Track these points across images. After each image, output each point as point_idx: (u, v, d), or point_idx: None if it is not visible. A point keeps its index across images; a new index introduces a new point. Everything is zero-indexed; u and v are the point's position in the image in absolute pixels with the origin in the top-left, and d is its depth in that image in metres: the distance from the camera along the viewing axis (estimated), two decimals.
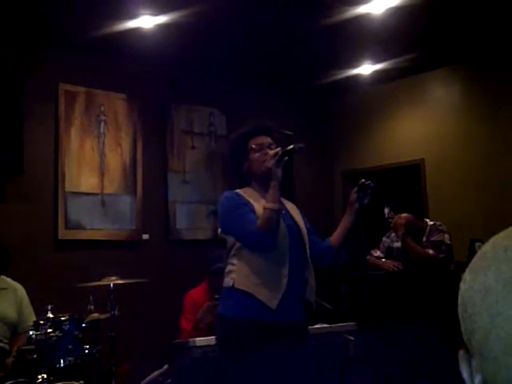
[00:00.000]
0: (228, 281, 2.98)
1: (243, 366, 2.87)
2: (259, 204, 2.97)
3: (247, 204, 2.99)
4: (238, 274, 2.95)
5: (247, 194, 3.06)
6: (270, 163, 2.94)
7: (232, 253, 3.01)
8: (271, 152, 2.98)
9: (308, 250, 3.07)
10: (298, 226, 3.09)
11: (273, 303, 2.86)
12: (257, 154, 3.08)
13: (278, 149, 2.97)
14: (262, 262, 2.91)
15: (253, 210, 2.94)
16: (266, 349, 2.86)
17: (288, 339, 2.93)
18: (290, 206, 3.22)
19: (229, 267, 3.02)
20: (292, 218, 3.12)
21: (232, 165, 3.23)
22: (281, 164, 2.92)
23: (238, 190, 3.11)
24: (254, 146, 3.10)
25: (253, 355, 2.85)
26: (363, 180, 3.09)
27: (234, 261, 2.99)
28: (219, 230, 3.16)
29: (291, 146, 2.94)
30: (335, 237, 3.16)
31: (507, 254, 0.68)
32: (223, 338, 3.02)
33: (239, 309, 2.91)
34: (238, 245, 2.99)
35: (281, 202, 3.05)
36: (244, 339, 2.88)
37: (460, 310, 0.72)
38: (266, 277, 2.90)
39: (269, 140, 3.13)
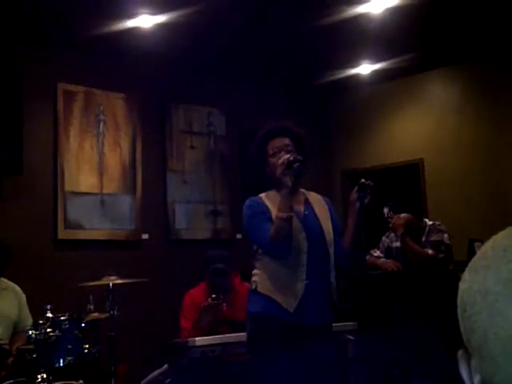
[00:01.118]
0: (252, 283, 3.14)
1: (265, 361, 2.99)
2: None
3: (265, 212, 3.05)
4: (259, 277, 3.09)
5: (269, 198, 3.11)
6: (278, 172, 2.97)
7: (256, 257, 3.14)
8: (280, 160, 3.00)
9: (332, 250, 3.11)
10: (320, 227, 3.12)
11: (291, 306, 2.97)
12: (275, 159, 3.10)
13: (287, 156, 2.99)
14: (278, 267, 3.02)
15: (270, 218, 3.00)
16: (287, 348, 2.96)
17: (309, 341, 3.01)
18: (317, 203, 3.25)
19: (254, 271, 3.16)
20: (316, 217, 3.16)
21: (253, 169, 3.26)
22: (289, 172, 2.94)
23: (261, 195, 3.17)
24: (270, 151, 3.14)
25: (275, 352, 2.96)
26: (363, 180, 3.10)
27: (257, 265, 3.13)
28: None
29: (291, 158, 2.97)
30: (345, 240, 3.18)
31: (506, 254, 0.68)
32: (249, 332, 3.16)
33: (264, 307, 3.03)
34: (260, 250, 3.11)
35: (307, 202, 3.18)
36: (267, 335, 3.01)
37: (459, 309, 0.72)
38: (283, 281, 3.01)
39: (285, 141, 3.16)
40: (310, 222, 3.11)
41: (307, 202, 3.21)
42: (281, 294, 2.99)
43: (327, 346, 3.11)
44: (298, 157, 3.00)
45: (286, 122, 3.32)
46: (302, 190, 3.28)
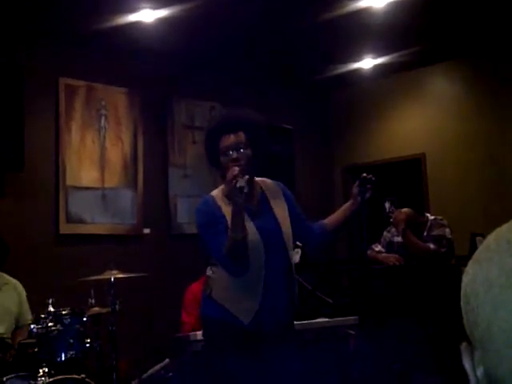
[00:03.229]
0: (206, 288, 3.01)
1: (220, 364, 2.92)
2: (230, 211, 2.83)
3: (219, 217, 2.88)
4: (214, 284, 2.96)
5: (223, 199, 2.94)
6: (227, 189, 2.82)
7: (211, 261, 3.02)
8: (229, 174, 2.78)
9: (292, 253, 3.01)
10: (279, 229, 2.99)
11: (245, 320, 2.86)
12: (224, 158, 2.92)
13: (235, 172, 2.76)
14: (233, 279, 2.90)
15: (225, 225, 2.83)
16: (243, 353, 2.87)
17: (266, 346, 2.90)
18: (274, 196, 3.08)
19: (208, 272, 3.03)
20: (274, 217, 3.01)
21: (208, 162, 3.09)
22: (237, 192, 2.71)
23: (214, 193, 3.01)
24: (222, 148, 2.93)
25: (230, 357, 2.87)
26: (364, 174, 3.07)
27: (213, 268, 2.99)
28: None
29: (237, 182, 2.72)
30: (331, 221, 3.10)
31: (510, 247, 0.68)
32: (205, 335, 3.16)
33: (219, 312, 2.93)
34: None
35: (264, 195, 3.03)
36: (222, 339, 2.92)
37: (463, 302, 0.72)
38: (239, 293, 2.88)
39: (239, 138, 2.93)
40: (268, 225, 2.96)
41: (264, 198, 3.04)
42: (236, 306, 2.87)
43: (286, 349, 2.97)
44: (245, 176, 2.75)
45: (240, 112, 3.08)
46: (258, 179, 3.09)
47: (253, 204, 2.98)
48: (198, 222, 3.01)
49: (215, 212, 2.91)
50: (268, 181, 3.14)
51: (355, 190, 3.04)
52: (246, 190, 2.71)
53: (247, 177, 2.75)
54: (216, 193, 3.01)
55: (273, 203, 3.05)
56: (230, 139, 2.92)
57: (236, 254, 2.80)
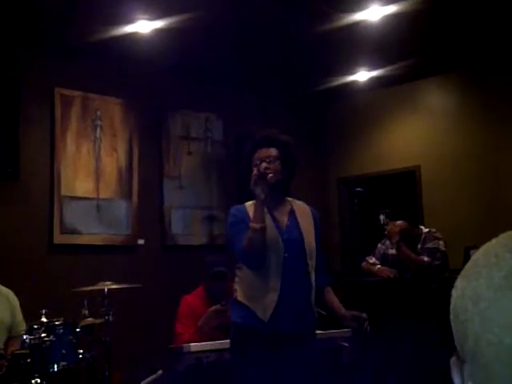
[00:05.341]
0: (234, 292, 3.23)
1: (244, 368, 3.11)
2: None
3: (245, 220, 3.10)
4: (239, 286, 3.18)
5: (252, 206, 3.15)
6: (251, 184, 3.03)
7: (238, 265, 3.22)
8: (254, 172, 3.06)
9: (312, 262, 3.16)
10: (301, 238, 3.17)
11: (265, 316, 3.03)
12: (256, 168, 3.14)
13: (262, 166, 3.07)
14: (254, 277, 3.10)
15: (249, 226, 3.05)
16: (264, 357, 3.04)
17: (285, 349, 3.07)
18: (303, 213, 3.29)
19: (235, 278, 3.26)
20: (298, 228, 3.20)
21: (245, 176, 3.32)
22: (261, 184, 3.01)
23: (247, 203, 3.24)
24: (255, 161, 3.18)
25: (252, 361, 3.06)
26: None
27: (238, 273, 3.21)
28: None
29: (262, 171, 3.07)
30: (326, 299, 3.34)
31: (498, 261, 0.68)
32: (232, 340, 3.29)
33: (242, 317, 3.14)
34: None
35: (292, 212, 3.21)
36: (245, 344, 3.12)
37: (452, 316, 0.73)
38: (258, 291, 3.09)
39: (271, 152, 3.19)
40: (291, 233, 3.17)
41: (292, 212, 3.26)
42: (256, 304, 3.07)
43: (305, 352, 3.15)
44: (270, 171, 3.07)
45: (272, 131, 3.36)
46: (289, 199, 3.32)
47: (281, 215, 3.21)
48: (227, 224, 3.28)
49: (243, 216, 3.16)
50: (299, 202, 3.37)
51: (350, 323, 3.26)
52: (266, 177, 3.01)
53: (272, 174, 3.04)
54: (248, 203, 3.23)
55: (300, 219, 3.25)
56: (262, 152, 3.19)
57: (253, 245, 2.99)
